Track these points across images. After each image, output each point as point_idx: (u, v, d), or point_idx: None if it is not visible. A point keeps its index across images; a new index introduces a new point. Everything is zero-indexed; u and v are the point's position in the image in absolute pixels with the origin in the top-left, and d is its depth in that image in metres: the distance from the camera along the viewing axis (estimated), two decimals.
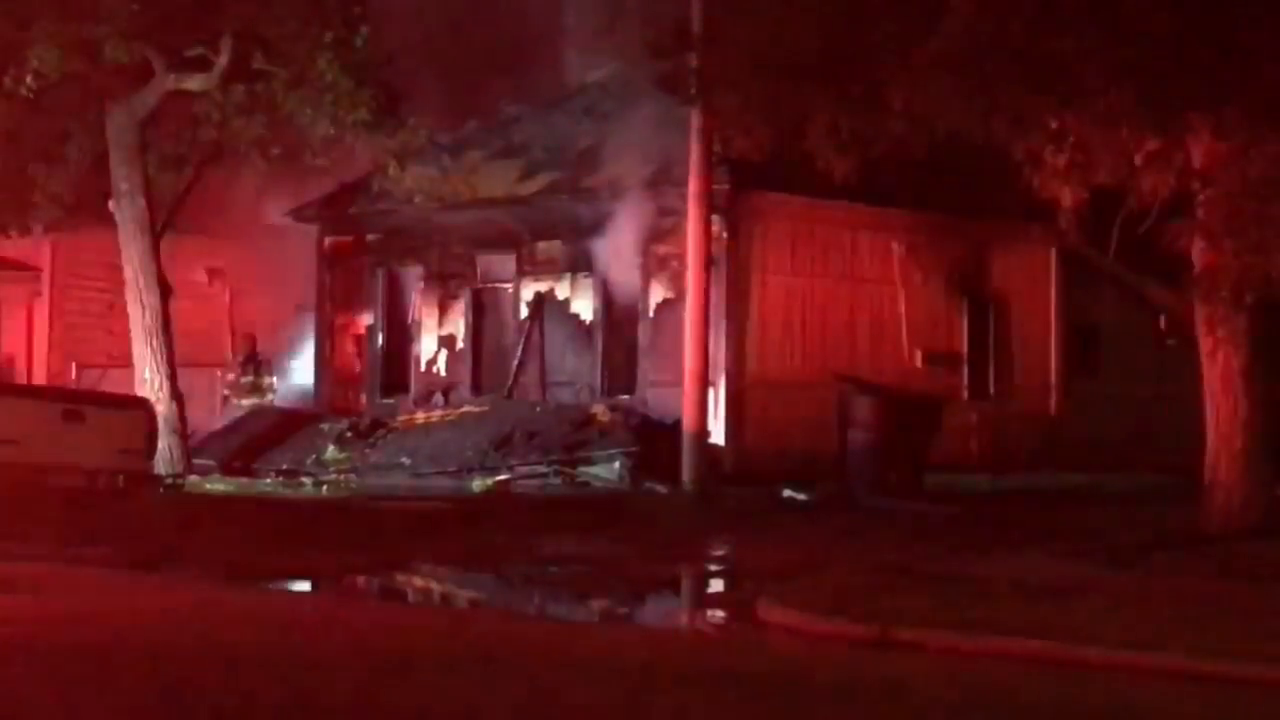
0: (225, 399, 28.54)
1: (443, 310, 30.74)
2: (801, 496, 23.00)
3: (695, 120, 22.76)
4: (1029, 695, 10.09)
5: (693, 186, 23.73)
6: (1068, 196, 16.92)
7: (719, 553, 18.97)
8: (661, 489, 23.90)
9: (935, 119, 16.18)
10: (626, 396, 27.75)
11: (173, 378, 25.69)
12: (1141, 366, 29.76)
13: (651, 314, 27.89)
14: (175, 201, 27.18)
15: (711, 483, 23.64)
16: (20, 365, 33.08)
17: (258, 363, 30.86)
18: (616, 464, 25.11)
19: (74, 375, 31.94)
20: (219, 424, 29.75)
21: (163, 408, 24.43)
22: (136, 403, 22.94)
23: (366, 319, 31.74)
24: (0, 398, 20.01)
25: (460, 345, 30.53)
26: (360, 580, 16.61)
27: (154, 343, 25.57)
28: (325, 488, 24.96)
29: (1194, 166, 16.63)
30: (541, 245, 29.35)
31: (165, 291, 25.93)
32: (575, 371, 28.94)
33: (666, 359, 26.19)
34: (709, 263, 24.14)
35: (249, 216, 31.49)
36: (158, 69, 24.97)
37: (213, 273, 34.11)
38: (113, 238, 26.14)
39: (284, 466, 27.06)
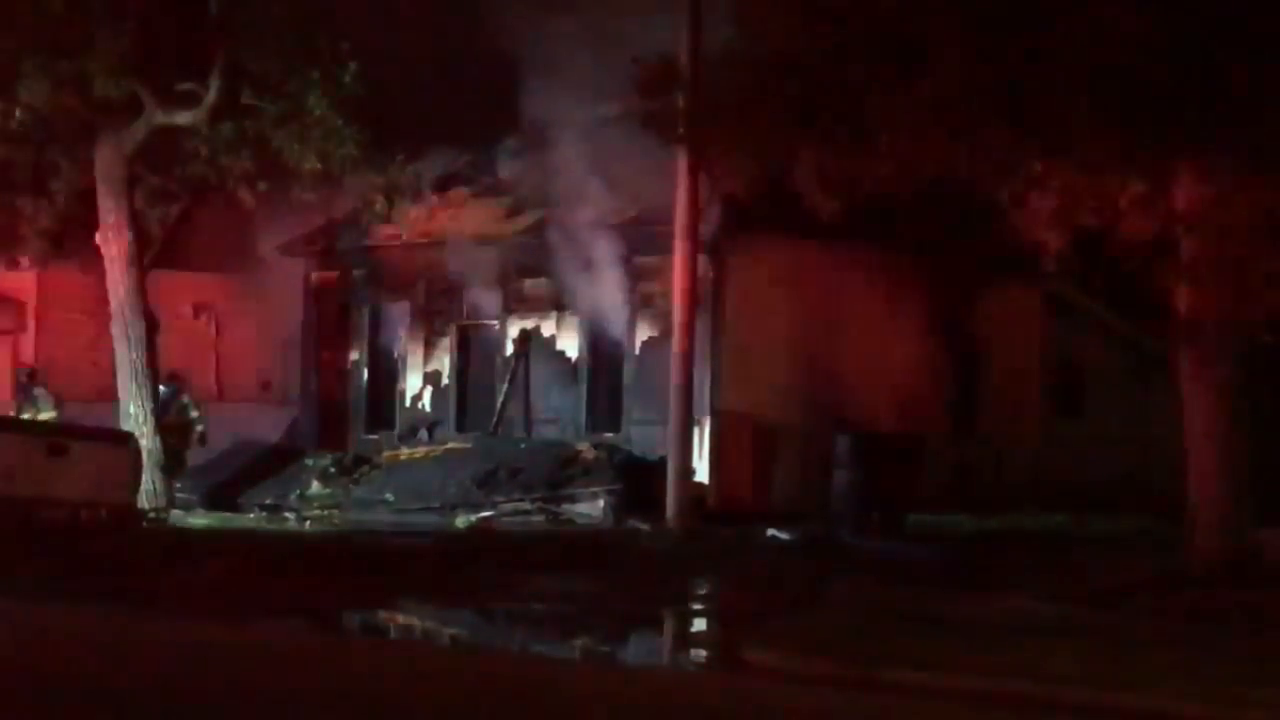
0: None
1: (428, 346, 30.76)
2: (785, 536, 23.00)
3: (682, 159, 22.83)
4: None
5: (679, 225, 23.78)
6: (1053, 239, 17.00)
7: (702, 592, 18.97)
8: (645, 527, 23.88)
9: (921, 161, 16.26)
10: (611, 434, 27.75)
11: (157, 412, 25.67)
12: (1125, 408, 29.85)
13: (637, 352, 27.92)
14: (163, 236, 27.22)
15: (695, 521, 23.62)
16: (4, 398, 33.00)
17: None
18: (600, 501, 25.10)
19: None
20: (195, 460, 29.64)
21: (147, 442, 24.41)
22: (121, 437, 22.92)
23: (352, 354, 31.76)
24: None
25: (445, 381, 30.54)
26: (346, 617, 16.59)
27: (139, 377, 25.54)
28: (309, 523, 24.92)
29: (1178, 211, 16.72)
30: (528, 282, 29.38)
31: (151, 325, 25.92)
32: (560, 409, 28.95)
33: (651, 397, 26.21)
34: (695, 301, 24.18)
35: (236, 251, 31.52)
36: (147, 104, 25.01)
37: (199, 307, 34.11)
38: (99, 271, 26.15)
39: (268, 501, 27.03)
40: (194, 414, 27.01)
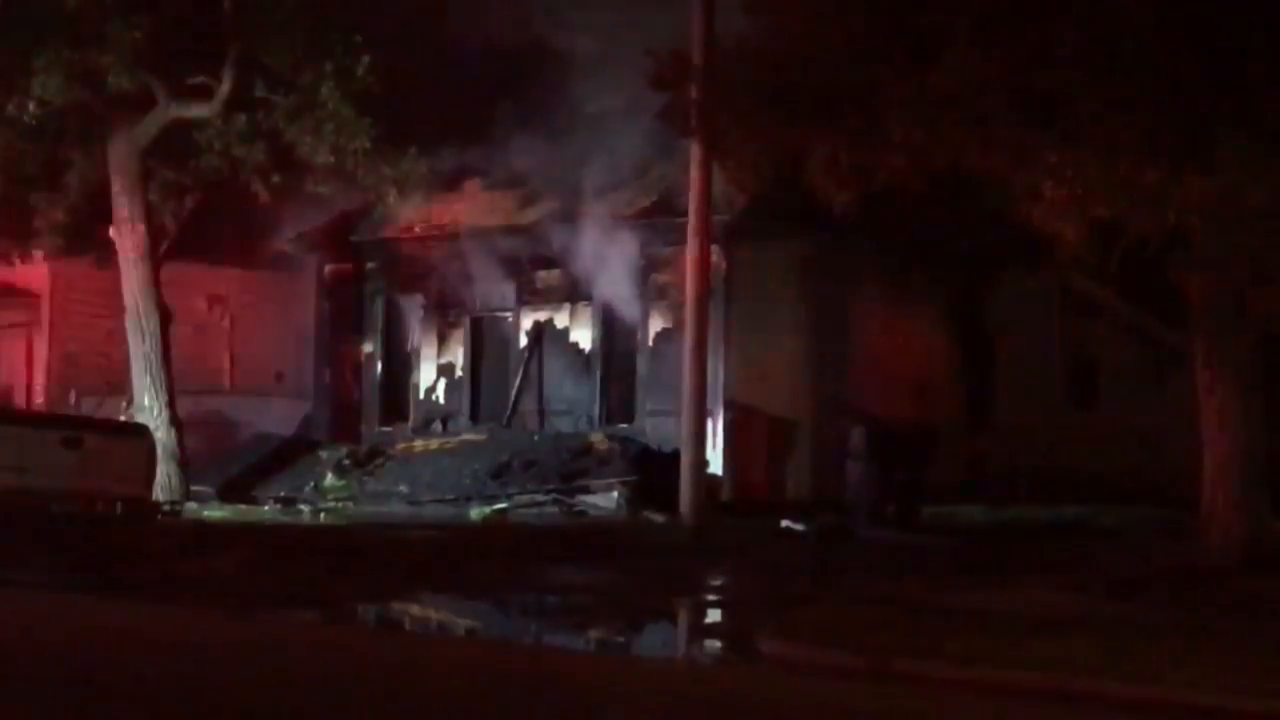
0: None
1: (442, 338, 30.78)
2: (799, 527, 22.99)
3: (695, 151, 22.80)
4: None
5: (692, 217, 23.76)
6: (1067, 230, 16.94)
7: (716, 583, 18.96)
8: (659, 518, 23.89)
9: (933, 153, 16.22)
10: (625, 425, 27.76)
11: (172, 405, 25.73)
12: (1140, 399, 29.76)
13: (650, 343, 27.93)
14: (176, 229, 27.24)
15: (709, 512, 23.61)
16: (19, 392, 33.10)
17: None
18: (614, 493, 25.11)
19: (73, 402, 31.95)
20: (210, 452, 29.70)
21: (161, 434, 24.47)
22: (135, 430, 22.96)
23: (366, 347, 31.79)
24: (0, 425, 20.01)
25: (459, 374, 30.56)
26: (361, 609, 16.61)
27: (153, 370, 25.61)
28: (323, 515, 24.96)
29: (1193, 200, 16.66)
30: (541, 274, 29.39)
31: (165, 318, 25.98)
32: (574, 400, 28.97)
33: (665, 388, 26.21)
34: (708, 292, 24.16)
35: (250, 244, 31.56)
36: (160, 97, 25.06)
37: (213, 300, 34.17)
38: (113, 265, 26.20)
39: (282, 494, 27.08)
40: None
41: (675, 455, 24.14)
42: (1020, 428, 29.63)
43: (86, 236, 27.32)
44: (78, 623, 13.70)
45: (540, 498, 25.41)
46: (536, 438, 27.73)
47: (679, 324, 25.62)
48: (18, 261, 30.20)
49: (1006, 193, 16.96)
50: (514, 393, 29.32)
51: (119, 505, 20.47)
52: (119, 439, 21.38)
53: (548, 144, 30.34)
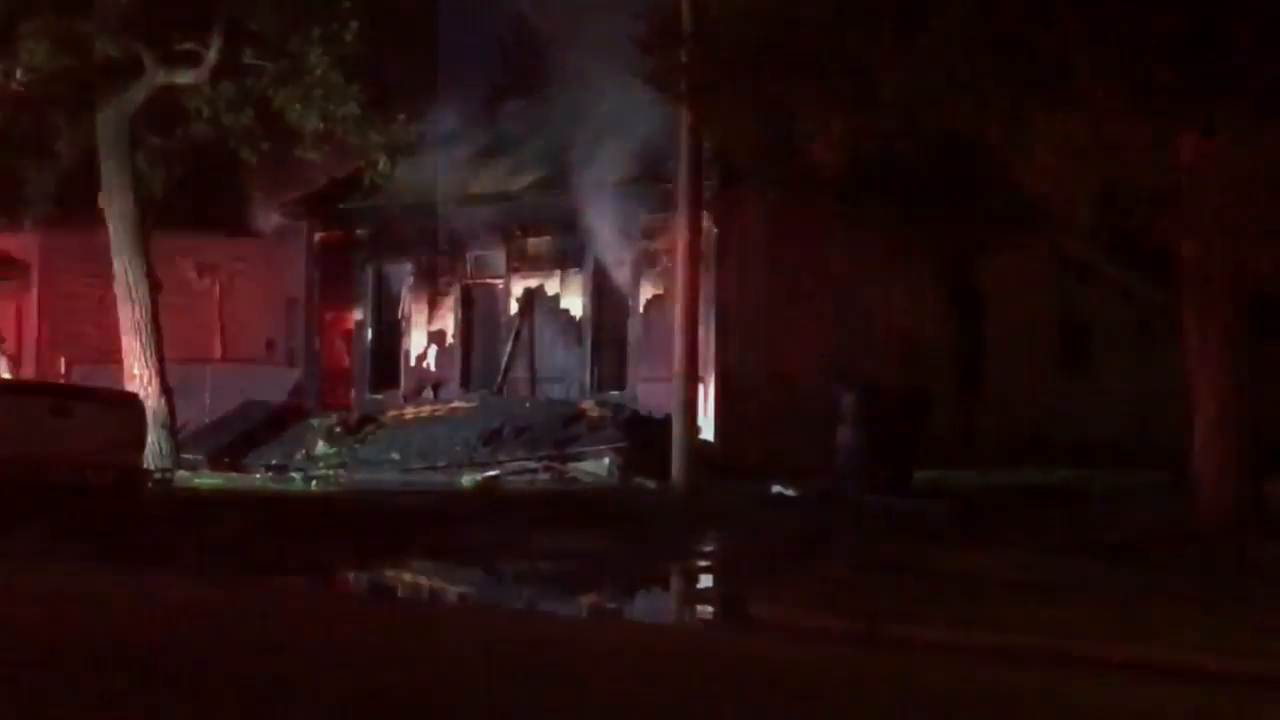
0: None
1: (432, 306, 30.74)
2: (791, 492, 22.98)
3: (685, 117, 22.74)
4: (1016, 691, 10.10)
5: (682, 182, 23.72)
6: (1058, 193, 16.92)
7: (708, 548, 18.96)
8: (651, 485, 23.88)
9: (924, 116, 16.18)
10: (617, 392, 27.75)
11: (162, 373, 25.71)
12: (1131, 362, 29.78)
13: (641, 310, 27.89)
14: (165, 197, 27.17)
15: (701, 478, 23.61)
16: (9, 360, 33.02)
17: None
18: (606, 460, 25.10)
19: (63, 370, 31.92)
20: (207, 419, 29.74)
21: (152, 403, 24.43)
22: (126, 398, 22.91)
23: (356, 314, 31.75)
24: None
25: (450, 341, 30.53)
26: (353, 576, 16.61)
27: (143, 338, 25.58)
28: (315, 483, 24.95)
29: (1183, 163, 16.65)
30: (531, 241, 29.35)
31: (154, 287, 25.93)
32: (565, 367, 28.94)
33: (657, 355, 26.19)
34: (698, 258, 24.13)
35: (239, 212, 31.51)
36: (148, 64, 24.97)
37: (202, 268, 34.12)
38: (102, 233, 26.14)
39: (273, 462, 27.07)
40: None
41: (667, 421, 24.13)
42: (1013, 391, 29.63)
43: (76, 204, 27.24)
44: (63, 590, 13.69)
45: (532, 465, 25.40)
46: (528, 405, 27.72)
47: (670, 290, 25.58)
48: (5, 229, 30.14)
49: (998, 156, 16.92)
50: (505, 360, 29.29)
51: (109, 474, 20.41)
52: (109, 407, 21.31)
53: (538, 110, 30.29)
